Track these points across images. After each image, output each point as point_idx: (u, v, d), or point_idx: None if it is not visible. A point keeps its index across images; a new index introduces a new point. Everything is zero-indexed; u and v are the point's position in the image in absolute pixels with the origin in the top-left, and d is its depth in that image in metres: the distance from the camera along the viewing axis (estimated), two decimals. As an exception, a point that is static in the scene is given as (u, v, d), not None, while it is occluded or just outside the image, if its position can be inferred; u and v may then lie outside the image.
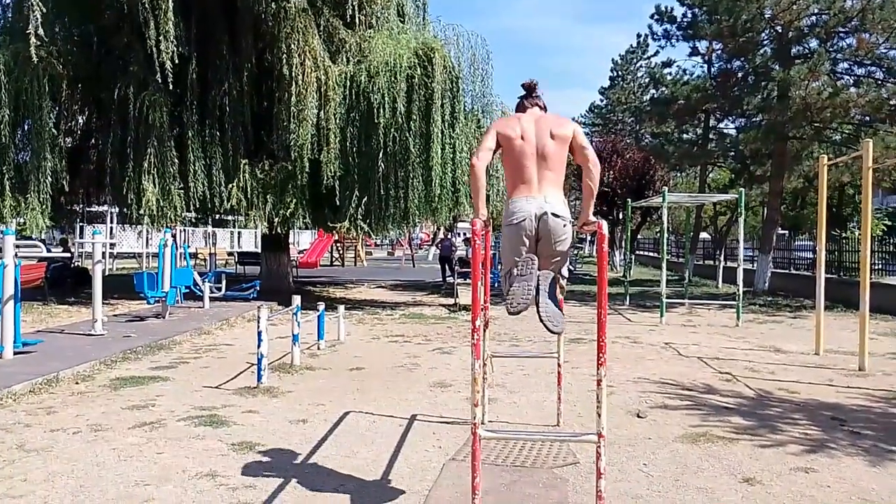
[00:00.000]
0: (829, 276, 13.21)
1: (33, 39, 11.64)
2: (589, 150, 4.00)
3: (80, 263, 19.69)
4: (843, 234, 20.13)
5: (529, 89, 4.32)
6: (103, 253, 15.35)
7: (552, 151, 3.91)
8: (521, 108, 4.32)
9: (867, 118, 17.86)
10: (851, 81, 18.37)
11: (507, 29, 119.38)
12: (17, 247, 8.44)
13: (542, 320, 3.71)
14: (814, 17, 17.48)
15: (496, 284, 16.33)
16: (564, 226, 3.88)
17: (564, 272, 4.00)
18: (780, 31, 17.89)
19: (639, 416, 5.91)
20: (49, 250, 15.06)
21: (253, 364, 7.39)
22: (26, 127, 13.39)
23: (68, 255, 16.39)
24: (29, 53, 11.89)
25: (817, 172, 10.44)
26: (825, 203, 9.71)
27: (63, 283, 15.78)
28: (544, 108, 4.31)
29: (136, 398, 6.33)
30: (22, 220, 12.87)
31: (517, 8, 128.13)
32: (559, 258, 3.92)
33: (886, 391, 7.09)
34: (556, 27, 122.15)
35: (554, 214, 3.82)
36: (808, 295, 15.59)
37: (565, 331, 4.11)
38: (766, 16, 17.26)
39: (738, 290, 13.00)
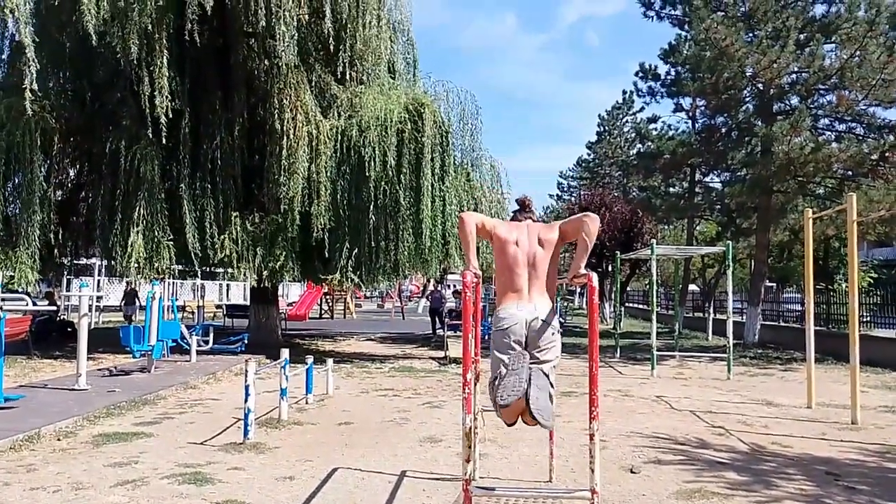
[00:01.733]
0: (818, 328, 13.24)
1: (28, 94, 11.75)
2: (579, 215, 4.11)
3: (66, 316, 19.47)
4: (831, 287, 20.26)
5: (522, 205, 4.49)
6: (90, 306, 15.19)
7: (541, 258, 4.03)
8: (515, 220, 4.45)
9: (850, 172, 18.19)
10: (833, 137, 18.78)
11: (496, 85, 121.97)
12: (3, 300, 8.35)
13: (531, 413, 3.62)
14: (794, 75, 17.94)
15: (486, 337, 16.26)
16: (553, 333, 3.91)
17: (552, 378, 3.92)
18: (761, 88, 18.35)
19: (632, 472, 5.82)
20: (35, 303, 14.91)
21: (239, 419, 7.26)
22: (17, 180, 13.40)
23: (54, 308, 16.23)
24: (22, 108, 12.00)
25: (803, 225, 10.58)
26: (812, 256, 9.80)
27: (48, 336, 15.56)
28: (536, 221, 4.44)
29: (119, 455, 6.19)
30: (10, 274, 12.76)
31: (507, 64, 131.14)
32: (546, 365, 3.89)
33: (880, 445, 7.04)
34: (545, 83, 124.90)
35: (543, 321, 3.87)
36: (797, 347, 15.61)
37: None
38: (748, 74, 17.71)
39: (728, 342, 13.00)
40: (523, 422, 3.80)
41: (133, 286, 22.27)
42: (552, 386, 3.89)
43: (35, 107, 12.67)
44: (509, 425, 3.93)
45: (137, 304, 22.77)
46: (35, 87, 11.99)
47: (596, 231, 3.97)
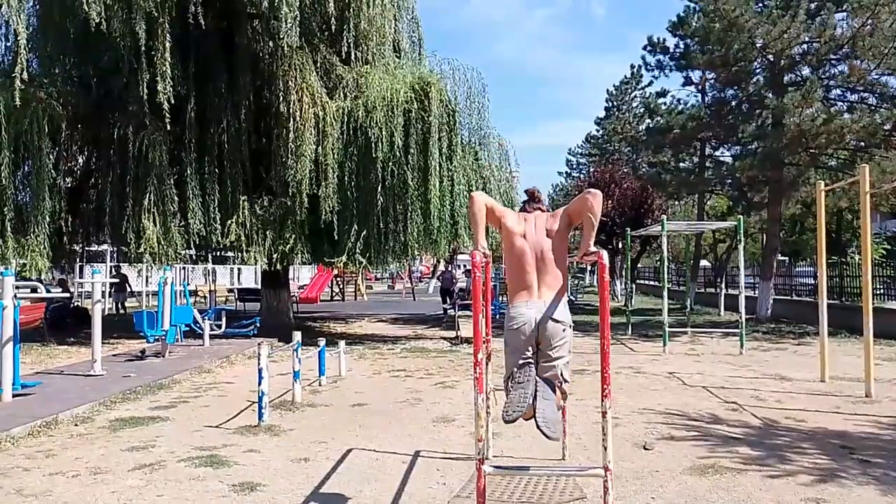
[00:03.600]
0: (831, 301, 13.16)
1: (18, 83, 11.79)
2: (581, 196, 4.04)
3: (79, 303, 19.63)
4: (844, 260, 20.13)
5: (532, 196, 4.41)
6: (103, 293, 15.29)
7: (549, 250, 3.96)
8: (524, 212, 4.37)
9: (862, 143, 17.97)
10: (845, 107, 18.50)
11: (502, 60, 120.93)
12: (17, 288, 8.41)
13: (538, 426, 3.67)
14: (805, 46, 17.67)
15: (497, 316, 16.29)
16: (564, 330, 3.89)
17: (567, 376, 3.97)
18: (771, 59, 18.09)
19: (645, 449, 5.83)
20: (48, 291, 15.02)
21: (254, 402, 7.31)
22: (26, 168, 13.47)
23: (67, 295, 16.34)
24: (28, 95, 12.02)
25: (815, 198, 10.47)
26: (824, 229, 9.71)
27: (62, 323, 15.70)
28: (545, 211, 4.35)
29: (136, 439, 6.25)
30: (23, 262, 12.85)
31: (512, 40, 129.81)
32: (559, 361, 3.89)
33: (894, 417, 7.01)
34: (551, 58, 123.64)
35: (553, 319, 3.84)
36: (810, 321, 15.54)
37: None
38: (758, 45, 17.46)
39: (740, 317, 12.95)
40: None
41: (123, 273, 22.42)
42: (566, 381, 3.92)
43: (41, 93, 12.71)
44: (526, 419, 3.91)
45: (128, 290, 22.94)
46: (25, 76, 12.04)
47: (600, 206, 3.92)
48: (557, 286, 3.94)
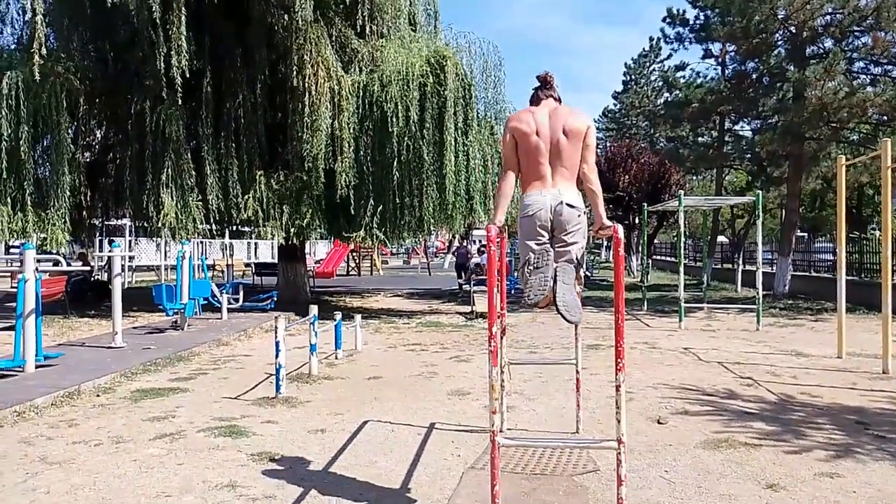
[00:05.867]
0: (849, 277, 13.04)
1: (36, 58, 11.88)
2: (590, 152, 3.99)
3: (99, 276, 19.88)
4: (864, 235, 19.88)
5: (544, 81, 4.26)
6: (122, 266, 15.46)
7: (565, 147, 3.91)
8: (535, 99, 4.26)
9: (885, 117, 17.66)
10: (868, 80, 18.17)
11: (516, 29, 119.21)
12: (38, 261, 8.53)
13: (558, 310, 3.71)
14: (828, 17, 17.32)
15: (512, 291, 16.32)
16: (579, 216, 3.90)
17: (582, 261, 3.98)
18: (793, 31, 17.75)
19: (659, 423, 5.85)
20: (69, 264, 15.22)
21: (271, 374, 7.41)
22: (45, 143, 13.58)
23: (88, 268, 16.54)
24: (46, 70, 12.10)
25: (835, 173, 10.33)
26: (844, 204, 9.60)
27: (84, 296, 15.93)
28: (559, 100, 4.24)
29: (157, 410, 6.37)
30: (43, 236, 13.02)
31: (528, 11, 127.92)
32: (574, 247, 3.90)
33: (911, 394, 6.98)
34: (566, 27, 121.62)
35: (568, 205, 3.84)
36: (828, 297, 15.41)
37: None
38: (780, 16, 17.13)
39: (757, 293, 12.87)
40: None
41: (111, 251, 22.34)
42: (581, 265, 3.94)
43: (59, 68, 12.75)
44: (542, 308, 3.94)
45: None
46: (44, 51, 12.10)
47: (596, 180, 3.95)
48: (572, 178, 3.94)
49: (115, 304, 9.58)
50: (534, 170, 3.95)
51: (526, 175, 4.02)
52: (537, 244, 3.86)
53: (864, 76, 18.45)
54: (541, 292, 3.69)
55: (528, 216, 3.89)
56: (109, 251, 10.14)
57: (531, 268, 3.78)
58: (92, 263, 18.20)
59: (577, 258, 3.90)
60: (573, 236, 3.88)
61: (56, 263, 10.55)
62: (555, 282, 3.72)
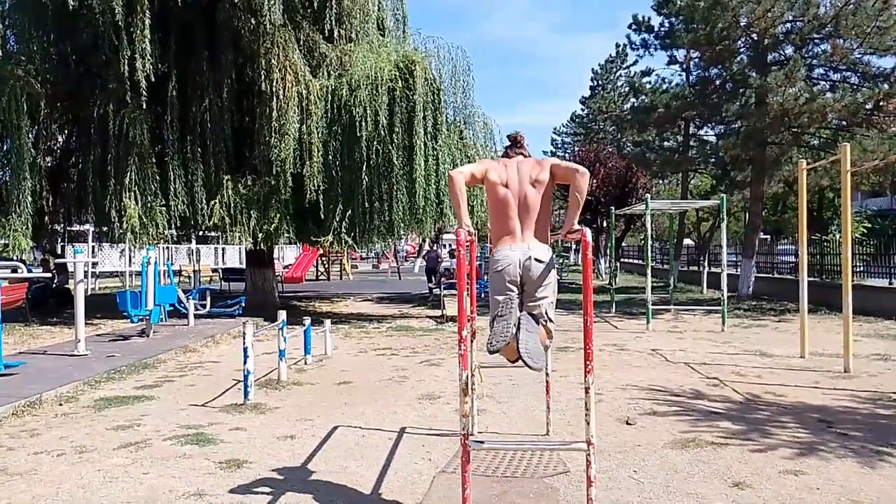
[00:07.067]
0: (811, 279, 13.33)
1: None
2: (572, 165, 4.05)
3: (57, 283, 19.44)
4: (825, 238, 20.34)
5: (514, 141, 4.39)
6: (85, 272, 15.17)
7: (533, 199, 3.97)
8: (506, 157, 4.36)
9: (844, 122, 18.08)
10: (827, 87, 18.59)
11: (487, 39, 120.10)
12: (-2, 268, 8.34)
13: (521, 356, 3.69)
14: (789, 24, 17.69)
15: (482, 295, 16.33)
16: (548, 270, 3.91)
17: (552, 315, 3.99)
18: (755, 38, 18.11)
19: (628, 424, 5.91)
20: (30, 271, 14.87)
21: (239, 381, 7.32)
22: (5, 147, 13.27)
23: (49, 275, 16.20)
24: (5, 72, 11.82)
25: (797, 177, 10.56)
26: (805, 207, 9.82)
27: (45, 303, 15.57)
28: (527, 157, 4.34)
29: (121, 418, 6.25)
30: (4, 242, 12.71)
31: (496, 18, 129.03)
32: (544, 301, 3.91)
33: (872, 392, 7.15)
34: (536, 37, 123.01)
35: (537, 260, 3.86)
36: (791, 298, 15.74)
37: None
38: (742, 24, 17.46)
39: (722, 295, 13.09)
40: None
41: (62, 257, 21.71)
42: (551, 321, 3.95)
43: (19, 70, 12.47)
44: (512, 362, 3.97)
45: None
46: (1, 53, 11.81)
47: (586, 186, 3.94)
48: (541, 233, 3.98)
49: (78, 311, 9.37)
50: (503, 224, 3.99)
51: (495, 230, 4.07)
52: (506, 297, 3.87)
53: (823, 82, 18.88)
54: (503, 339, 3.69)
55: (497, 271, 3.91)
56: (73, 258, 9.93)
57: (497, 317, 3.80)
58: (54, 270, 17.81)
59: (546, 313, 3.91)
60: (543, 290, 3.89)
61: (15, 270, 10.31)
62: (518, 329, 3.73)
